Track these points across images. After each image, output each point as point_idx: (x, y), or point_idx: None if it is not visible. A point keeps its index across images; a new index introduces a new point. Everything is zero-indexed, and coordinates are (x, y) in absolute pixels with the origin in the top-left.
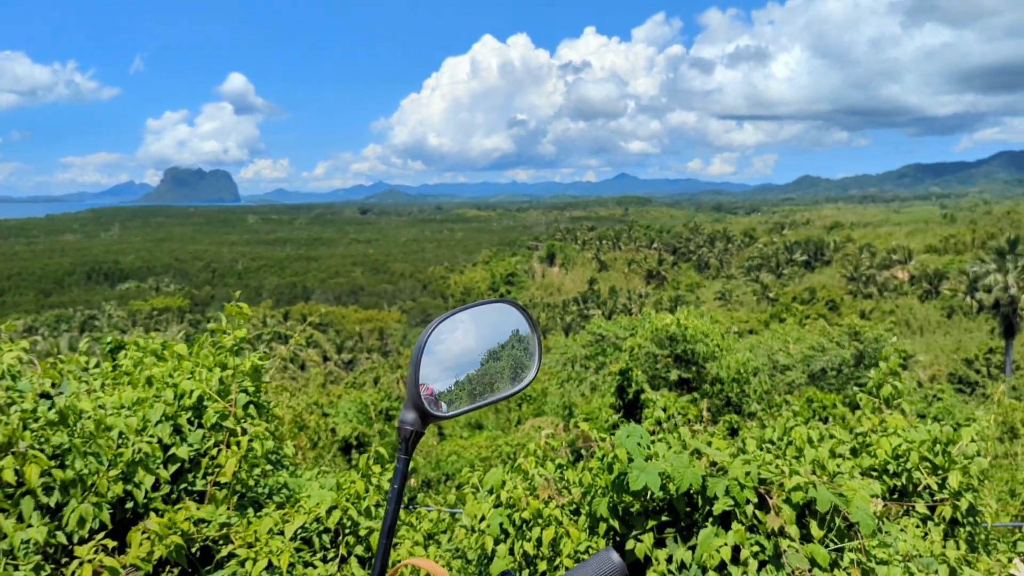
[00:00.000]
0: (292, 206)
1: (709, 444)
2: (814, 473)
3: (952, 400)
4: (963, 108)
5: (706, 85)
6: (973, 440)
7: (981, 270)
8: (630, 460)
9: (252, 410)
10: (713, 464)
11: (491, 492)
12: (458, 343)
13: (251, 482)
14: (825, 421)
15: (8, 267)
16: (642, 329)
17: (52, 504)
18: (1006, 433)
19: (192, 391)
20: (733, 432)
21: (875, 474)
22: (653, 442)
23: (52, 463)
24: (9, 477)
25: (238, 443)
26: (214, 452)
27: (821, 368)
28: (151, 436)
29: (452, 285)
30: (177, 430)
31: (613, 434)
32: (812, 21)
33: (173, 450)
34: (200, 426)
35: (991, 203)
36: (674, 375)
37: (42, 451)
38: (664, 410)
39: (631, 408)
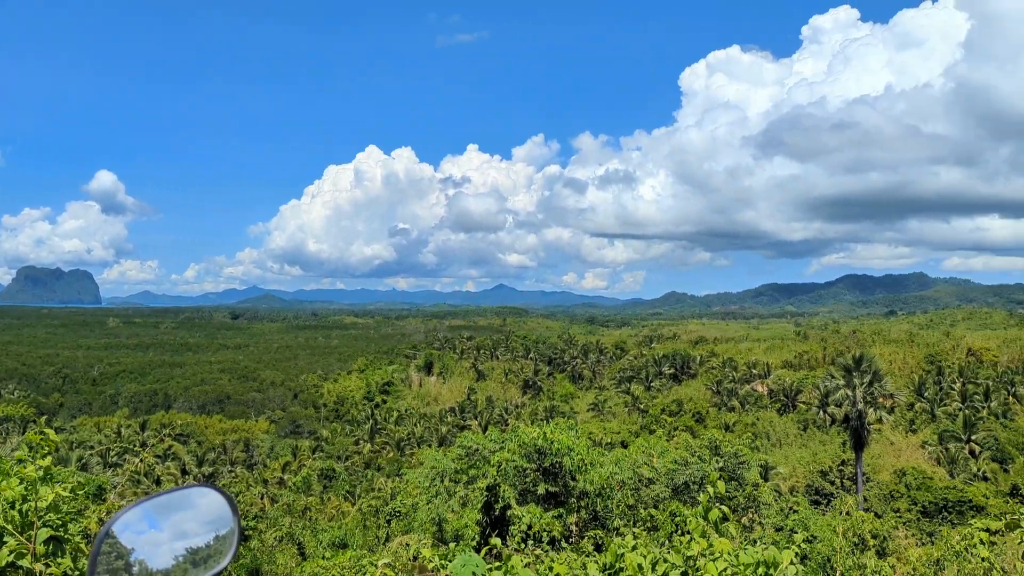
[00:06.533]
0: (158, 309)
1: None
2: None
3: (807, 512)
4: (812, 234)
5: (579, 204)
6: (792, 563)
7: (831, 385)
8: None
9: (53, 546)
10: None
11: None
12: (147, 536)
13: None
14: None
15: None
16: (511, 442)
17: None
18: (856, 546)
19: None
20: (598, 548)
21: None
22: (491, 570)
23: None
24: None
25: None
26: None
27: (684, 482)
28: None
29: (325, 394)
30: None
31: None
32: (675, 150)
33: None
34: None
35: (839, 322)
36: (542, 489)
37: None
38: (529, 527)
39: (498, 524)
